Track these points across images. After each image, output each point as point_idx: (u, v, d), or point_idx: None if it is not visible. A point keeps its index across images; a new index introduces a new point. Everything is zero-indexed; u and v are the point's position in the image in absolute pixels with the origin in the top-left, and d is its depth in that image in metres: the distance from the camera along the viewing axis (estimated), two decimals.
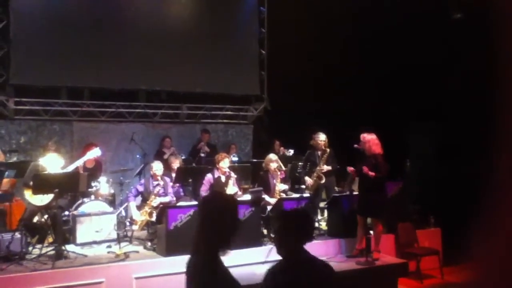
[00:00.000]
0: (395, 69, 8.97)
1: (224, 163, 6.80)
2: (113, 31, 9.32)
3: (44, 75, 8.74)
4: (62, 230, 5.94)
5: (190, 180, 7.05)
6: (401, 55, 8.83)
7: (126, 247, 6.06)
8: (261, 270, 5.72)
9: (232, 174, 6.88)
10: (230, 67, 10.31)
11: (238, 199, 6.67)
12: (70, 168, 6.02)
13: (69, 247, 5.87)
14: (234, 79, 10.35)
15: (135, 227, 6.52)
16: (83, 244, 6.26)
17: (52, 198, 5.65)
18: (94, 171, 7.15)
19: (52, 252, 5.45)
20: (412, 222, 7.35)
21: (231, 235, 2.28)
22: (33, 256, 5.52)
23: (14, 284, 4.79)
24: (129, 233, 6.68)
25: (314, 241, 6.26)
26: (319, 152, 7.21)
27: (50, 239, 6.02)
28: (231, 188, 6.78)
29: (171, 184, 6.91)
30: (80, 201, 6.69)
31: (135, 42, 9.40)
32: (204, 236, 2.26)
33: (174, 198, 6.83)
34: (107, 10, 9.38)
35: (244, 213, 6.19)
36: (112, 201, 7.25)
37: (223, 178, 6.83)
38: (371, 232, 6.41)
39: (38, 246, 5.77)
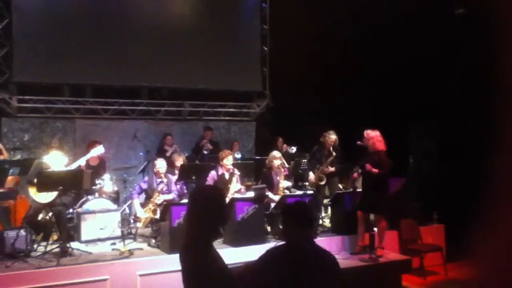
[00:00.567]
0: (396, 68, 8.94)
1: (228, 160, 6.81)
2: (115, 29, 9.33)
3: (47, 72, 8.76)
4: (67, 228, 5.96)
5: (194, 177, 7.04)
6: (401, 55, 8.81)
7: (130, 244, 6.09)
8: None
9: (236, 171, 6.89)
10: (232, 63, 10.30)
11: (242, 196, 6.69)
12: (74, 165, 6.03)
13: (74, 245, 5.90)
14: (236, 76, 10.34)
15: (139, 225, 6.54)
16: (87, 242, 6.28)
17: (56, 195, 5.66)
18: (97, 168, 7.17)
19: (57, 249, 5.48)
20: (415, 219, 7.36)
21: (219, 225, 2.50)
22: (38, 253, 5.55)
23: (19, 281, 4.81)
24: (133, 231, 6.70)
25: (318, 238, 6.33)
26: (326, 151, 7.21)
27: (55, 237, 6.04)
28: (235, 185, 6.79)
29: (175, 181, 6.92)
30: (84, 199, 6.71)
31: (137, 39, 9.41)
32: (193, 228, 2.36)
33: (178, 196, 6.84)
34: (109, 7, 9.37)
35: (247, 210, 6.20)
36: (116, 199, 7.27)
37: (226, 175, 6.84)
38: (375, 229, 6.41)
39: (43, 243, 5.79)
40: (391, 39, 9.05)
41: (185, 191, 7.18)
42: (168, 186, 6.69)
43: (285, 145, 9.50)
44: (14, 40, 8.57)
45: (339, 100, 9.67)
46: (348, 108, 9.57)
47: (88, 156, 6.25)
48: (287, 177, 7.45)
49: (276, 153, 7.30)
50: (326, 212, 7.54)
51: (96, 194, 6.88)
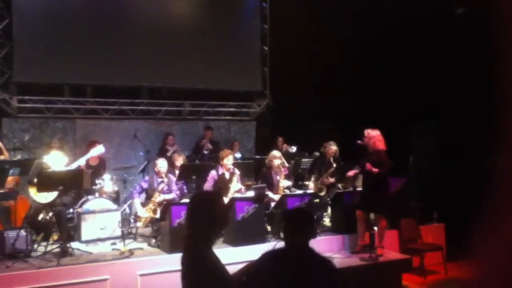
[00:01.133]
0: (397, 68, 8.94)
1: (228, 160, 6.81)
2: (116, 29, 9.33)
3: (47, 72, 8.77)
4: (67, 228, 5.96)
5: (194, 177, 7.05)
6: (402, 55, 8.81)
7: (130, 244, 6.09)
8: None
9: (236, 170, 6.89)
10: (232, 63, 10.30)
11: (242, 195, 6.70)
12: (74, 165, 6.04)
13: (74, 245, 5.90)
14: (236, 75, 10.34)
15: (139, 224, 6.54)
16: (87, 242, 6.28)
17: (56, 195, 5.67)
18: (97, 168, 7.17)
19: (57, 249, 5.48)
20: (415, 218, 7.36)
21: (218, 229, 2.50)
22: (38, 253, 5.54)
23: (20, 281, 4.81)
24: (133, 230, 6.70)
25: (318, 237, 6.33)
26: (327, 162, 7.31)
27: (55, 237, 6.04)
28: (235, 185, 6.79)
29: (175, 181, 6.92)
30: (84, 199, 6.71)
31: (137, 39, 9.41)
32: (193, 231, 2.39)
33: (178, 196, 6.84)
34: (109, 7, 9.38)
35: (247, 209, 6.20)
36: (116, 199, 7.27)
37: (227, 175, 6.84)
38: (375, 228, 6.42)
39: (43, 243, 5.79)
40: (392, 39, 9.06)
41: (185, 190, 7.19)
42: (168, 186, 6.69)
43: (285, 144, 9.51)
44: (14, 40, 8.58)
45: (340, 100, 9.67)
46: (348, 108, 9.58)
47: (88, 156, 6.25)
48: (287, 177, 7.45)
49: (276, 153, 7.31)
50: (326, 211, 7.53)
51: (96, 194, 6.88)
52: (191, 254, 2.34)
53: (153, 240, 6.21)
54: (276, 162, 7.12)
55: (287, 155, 8.43)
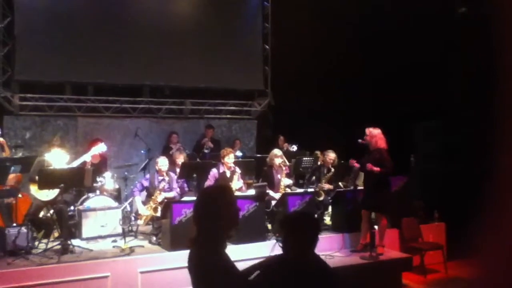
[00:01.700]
0: (399, 68, 8.93)
1: (229, 158, 6.81)
2: (117, 27, 9.34)
3: (49, 71, 8.79)
4: (68, 225, 5.97)
5: (195, 175, 7.06)
6: (404, 55, 8.80)
7: (131, 241, 6.09)
8: None
9: (237, 169, 6.90)
10: (234, 62, 10.31)
11: (242, 194, 6.70)
12: (76, 163, 6.06)
13: (75, 242, 5.91)
14: (237, 74, 10.35)
15: (140, 222, 6.56)
16: (88, 239, 6.31)
17: (57, 193, 5.69)
18: (99, 166, 7.19)
19: (58, 246, 5.50)
20: (416, 217, 7.36)
21: (229, 227, 2.30)
22: (39, 250, 5.57)
23: (21, 278, 4.83)
24: (134, 228, 6.71)
25: (319, 236, 6.32)
26: (326, 169, 7.44)
27: (56, 234, 6.06)
28: (236, 183, 6.80)
29: (176, 179, 6.93)
30: (85, 196, 6.73)
31: (139, 37, 9.43)
32: (203, 227, 2.27)
33: (179, 194, 6.85)
34: (111, 6, 9.40)
35: (248, 208, 6.21)
36: (117, 196, 7.29)
37: (228, 173, 6.85)
38: (376, 227, 6.42)
39: (44, 240, 5.81)
40: (394, 39, 9.04)
41: (186, 189, 7.20)
42: (169, 184, 6.70)
43: (286, 143, 9.52)
44: (16, 39, 8.61)
45: (341, 99, 9.67)
46: (349, 107, 9.57)
47: (90, 153, 6.27)
48: (288, 175, 7.46)
49: (277, 151, 7.32)
50: (327, 210, 7.55)
51: (97, 192, 6.91)
52: (201, 253, 2.26)
53: (154, 238, 6.22)
54: (277, 161, 7.13)
55: (288, 154, 8.43)
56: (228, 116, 10.64)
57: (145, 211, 6.47)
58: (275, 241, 6.05)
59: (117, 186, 7.47)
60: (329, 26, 9.47)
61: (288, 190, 7.10)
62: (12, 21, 8.63)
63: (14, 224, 5.85)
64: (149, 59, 9.47)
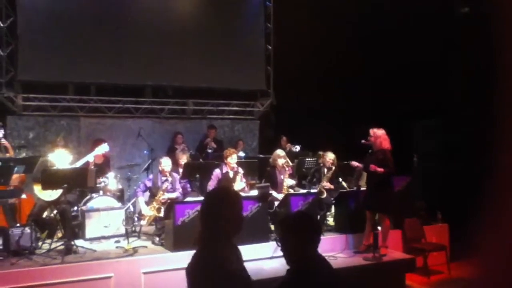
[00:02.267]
0: (401, 67, 8.91)
1: (232, 159, 6.81)
2: (120, 27, 9.35)
3: (51, 71, 8.80)
4: (71, 225, 5.98)
5: (198, 176, 7.06)
6: (405, 54, 8.79)
7: (134, 242, 6.11)
8: (269, 265, 5.78)
9: (240, 169, 6.90)
10: (236, 62, 10.31)
11: (245, 194, 6.70)
12: (79, 163, 6.06)
13: (78, 242, 5.92)
14: (240, 74, 10.35)
15: (143, 222, 6.56)
16: (92, 239, 6.31)
17: (61, 193, 5.70)
18: (102, 166, 7.20)
19: (62, 247, 5.50)
20: (419, 218, 7.35)
21: (234, 230, 2.29)
22: (43, 250, 5.58)
23: (24, 278, 4.84)
24: (137, 228, 6.72)
25: (321, 237, 6.31)
26: (326, 170, 7.45)
27: (60, 234, 6.08)
28: (239, 184, 6.79)
29: (179, 179, 6.93)
30: (88, 197, 6.74)
31: (141, 38, 9.43)
32: (206, 228, 2.28)
33: (182, 194, 6.85)
34: (114, 6, 9.41)
35: (251, 208, 6.21)
36: (120, 197, 7.29)
37: (231, 174, 6.84)
38: (379, 228, 6.41)
39: (48, 241, 5.83)
40: (395, 38, 9.03)
41: (189, 189, 7.20)
42: (172, 185, 6.70)
43: (288, 144, 9.51)
44: (19, 39, 8.62)
45: (342, 98, 9.66)
46: (351, 106, 9.56)
47: (93, 153, 6.28)
48: (291, 176, 7.46)
49: (280, 152, 7.31)
50: (329, 211, 7.55)
51: (101, 192, 6.91)
52: (200, 251, 2.26)
53: (157, 238, 6.23)
54: (280, 161, 7.13)
55: (290, 155, 8.43)
56: (231, 116, 10.64)
57: (148, 211, 6.48)
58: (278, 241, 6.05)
59: (120, 187, 7.47)
60: (330, 25, 9.46)
61: (291, 191, 7.10)
62: (15, 21, 8.64)
63: (18, 225, 5.86)
64: (151, 59, 9.47)
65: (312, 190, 7.12)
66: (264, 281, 5.04)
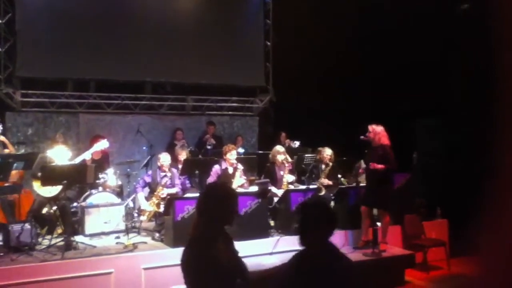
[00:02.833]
0: (402, 66, 8.91)
1: (232, 155, 6.80)
2: (119, 23, 9.33)
3: (50, 67, 8.77)
4: (71, 221, 5.98)
5: (197, 172, 7.06)
6: (407, 52, 8.78)
7: (134, 238, 6.11)
8: (268, 261, 5.79)
9: (239, 165, 6.90)
10: (236, 58, 10.29)
11: (245, 190, 6.70)
12: (78, 160, 6.05)
13: (78, 238, 5.93)
14: (239, 70, 10.34)
15: (143, 218, 6.56)
16: (91, 235, 6.31)
17: (60, 189, 5.68)
18: (101, 163, 7.18)
19: (62, 243, 5.49)
20: (419, 214, 7.36)
21: (226, 223, 2.50)
22: (43, 247, 5.57)
23: (24, 274, 4.83)
24: (137, 224, 6.72)
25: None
26: (323, 166, 7.47)
27: (59, 230, 6.07)
28: (238, 180, 6.79)
29: (178, 175, 6.93)
30: (88, 193, 6.73)
31: (140, 34, 9.41)
32: (202, 221, 2.41)
33: (181, 190, 6.86)
34: (112, 2, 9.38)
35: (250, 204, 6.21)
36: (119, 193, 7.28)
37: (230, 170, 6.84)
38: (378, 223, 6.42)
39: (48, 237, 5.82)
40: (396, 36, 9.02)
41: (188, 185, 7.20)
42: (171, 180, 6.70)
43: (288, 140, 9.51)
44: (17, 35, 8.59)
45: (343, 95, 9.65)
46: (352, 104, 9.54)
47: (92, 150, 6.27)
48: (291, 172, 7.46)
49: (279, 148, 7.31)
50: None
51: (100, 188, 6.90)
52: (198, 243, 2.35)
53: (157, 234, 6.23)
54: (280, 157, 7.12)
55: (290, 150, 8.43)
56: (230, 112, 10.63)
57: (148, 207, 6.48)
58: (277, 237, 6.07)
59: (119, 183, 7.46)
60: (330, 22, 9.43)
61: (291, 187, 7.10)
62: (13, 17, 8.60)
63: (18, 221, 5.85)
64: (150, 56, 9.45)
65: (311, 186, 7.12)
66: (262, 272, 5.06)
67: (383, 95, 9.17)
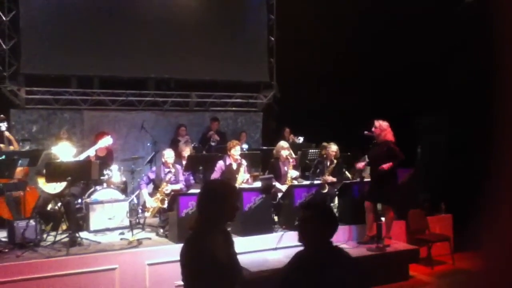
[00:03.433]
0: (407, 62, 8.85)
1: (236, 151, 6.81)
2: (123, 20, 9.33)
3: (54, 64, 8.80)
4: (76, 218, 6.02)
5: (201, 168, 7.06)
6: (411, 49, 8.73)
7: (138, 234, 6.13)
8: (272, 256, 5.80)
9: (243, 161, 6.90)
10: (239, 54, 10.28)
11: (249, 186, 6.71)
12: (82, 156, 6.08)
13: (83, 234, 5.95)
14: (243, 66, 10.33)
15: (147, 214, 6.58)
16: (96, 231, 6.34)
17: (65, 186, 5.71)
18: (105, 159, 7.21)
19: (66, 239, 5.52)
20: (423, 209, 7.34)
21: (227, 219, 2.50)
22: (48, 243, 5.61)
23: (30, 270, 4.87)
24: (141, 220, 6.75)
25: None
26: (328, 162, 7.43)
27: (64, 227, 6.09)
28: (242, 175, 6.80)
29: (182, 171, 6.94)
30: (92, 189, 6.76)
31: (144, 30, 9.41)
32: (202, 217, 2.42)
33: (185, 186, 6.87)
34: None
35: (254, 200, 6.22)
36: (124, 189, 7.32)
37: (234, 165, 6.85)
38: (382, 218, 6.41)
39: (52, 233, 5.84)
40: (403, 32, 8.96)
41: (192, 181, 7.21)
42: (175, 176, 6.72)
43: (292, 135, 9.49)
44: (21, 32, 8.61)
45: (347, 91, 9.61)
46: (356, 100, 9.51)
47: (96, 146, 6.29)
48: (294, 167, 7.46)
49: (283, 143, 7.30)
50: (333, 202, 7.55)
51: (104, 185, 6.94)
52: (196, 237, 2.36)
53: (161, 230, 6.25)
54: (284, 153, 7.12)
55: (294, 146, 8.42)
56: (234, 108, 10.63)
57: (153, 203, 6.50)
58: (282, 233, 6.07)
59: (123, 179, 7.49)
60: (335, 17, 9.39)
61: (295, 182, 7.09)
62: (17, 14, 8.63)
63: (23, 217, 5.88)
64: (154, 52, 9.45)
65: (315, 182, 7.12)
66: (268, 272, 5.07)
67: (389, 90, 9.13)
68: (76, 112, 9.16)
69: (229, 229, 6.11)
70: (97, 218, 6.44)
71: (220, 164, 6.84)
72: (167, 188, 6.50)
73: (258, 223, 6.12)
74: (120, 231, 6.37)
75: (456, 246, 6.92)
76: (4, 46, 8.59)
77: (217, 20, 10.12)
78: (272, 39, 10.78)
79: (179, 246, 5.37)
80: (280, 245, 5.90)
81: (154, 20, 9.53)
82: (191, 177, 7.21)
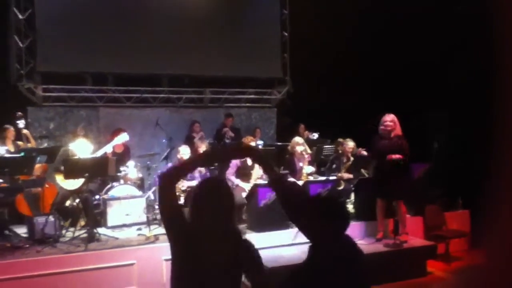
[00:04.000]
0: (418, 58, 8.77)
1: None
2: (136, 17, 9.39)
3: (70, 62, 8.89)
4: (94, 214, 6.07)
5: (216, 164, 7.07)
6: (411, 48, 8.65)
7: (155, 229, 6.15)
8: (288, 252, 5.79)
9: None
10: (252, 50, 10.26)
11: (264, 182, 6.70)
12: (99, 153, 6.13)
13: (101, 230, 6.01)
14: (256, 62, 10.31)
15: None
16: (114, 227, 6.39)
17: (82, 182, 5.78)
18: (122, 156, 7.26)
19: (85, 235, 5.59)
20: (440, 205, 7.26)
21: (227, 219, 2.38)
22: (67, 238, 5.68)
23: (49, 265, 4.95)
24: (158, 216, 6.77)
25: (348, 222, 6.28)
26: (345, 158, 7.40)
27: (82, 223, 6.17)
28: (257, 171, 6.80)
29: (198, 168, 6.96)
30: (109, 185, 6.81)
31: (158, 27, 9.45)
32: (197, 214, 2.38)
33: None
34: None
35: (270, 196, 6.21)
36: (140, 185, 7.36)
37: (249, 161, 6.84)
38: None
39: (71, 229, 5.92)
40: (401, 32, 8.89)
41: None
42: (191, 173, 6.73)
43: (306, 131, 9.46)
44: (37, 31, 8.71)
45: (363, 82, 9.55)
46: (369, 95, 9.44)
47: (113, 143, 6.35)
48: (309, 163, 7.44)
49: (298, 139, 7.29)
50: (349, 198, 7.52)
51: (121, 181, 6.98)
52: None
53: None
54: (299, 148, 7.10)
55: (308, 142, 8.39)
56: (248, 104, 10.63)
57: None
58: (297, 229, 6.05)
59: (140, 175, 7.54)
60: (349, 11, 9.32)
61: (311, 178, 7.07)
62: (33, 13, 8.72)
63: (41, 213, 5.97)
64: (168, 49, 9.49)
65: (331, 178, 7.09)
66: (283, 268, 5.08)
67: (398, 89, 9.04)
68: (92, 109, 9.24)
69: (244, 225, 6.18)
70: (114, 214, 6.49)
71: (235, 160, 6.85)
72: (183, 184, 6.53)
73: (273, 219, 6.11)
74: (138, 227, 6.41)
75: (473, 242, 6.84)
76: (20, 45, 8.70)
77: (230, 16, 10.12)
78: (286, 34, 10.73)
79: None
80: (296, 241, 5.89)
81: (167, 18, 9.56)
82: (208, 174, 7.23)
